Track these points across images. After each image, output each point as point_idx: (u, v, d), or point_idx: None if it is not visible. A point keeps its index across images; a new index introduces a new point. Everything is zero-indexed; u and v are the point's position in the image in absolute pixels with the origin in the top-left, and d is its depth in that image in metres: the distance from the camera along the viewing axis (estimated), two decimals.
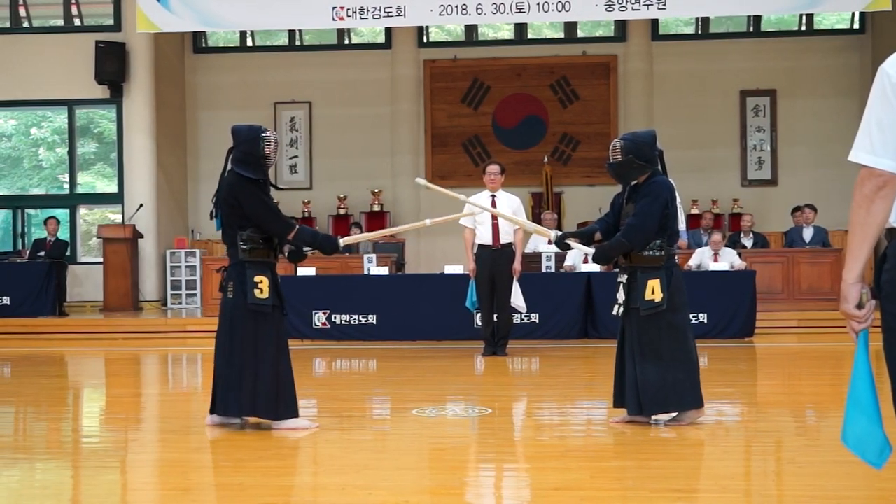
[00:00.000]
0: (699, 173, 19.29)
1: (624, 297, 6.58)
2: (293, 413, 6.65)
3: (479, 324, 11.77)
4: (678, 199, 6.77)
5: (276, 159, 6.70)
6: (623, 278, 6.63)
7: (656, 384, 6.44)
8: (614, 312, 6.67)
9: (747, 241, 15.62)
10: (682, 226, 6.87)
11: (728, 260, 13.68)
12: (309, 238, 6.84)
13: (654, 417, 6.60)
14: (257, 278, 6.51)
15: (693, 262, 13.91)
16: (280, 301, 6.68)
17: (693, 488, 4.97)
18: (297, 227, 6.72)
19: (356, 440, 6.51)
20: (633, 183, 6.64)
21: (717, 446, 6.14)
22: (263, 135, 6.59)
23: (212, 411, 6.71)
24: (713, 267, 13.48)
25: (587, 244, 6.93)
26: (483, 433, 6.70)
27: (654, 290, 6.45)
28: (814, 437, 6.70)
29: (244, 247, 6.55)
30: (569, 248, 7.04)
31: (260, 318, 6.53)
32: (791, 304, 14.47)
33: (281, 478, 5.51)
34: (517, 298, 11.04)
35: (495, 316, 11.19)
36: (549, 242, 7.50)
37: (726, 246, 14.27)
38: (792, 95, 19.50)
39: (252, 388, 6.49)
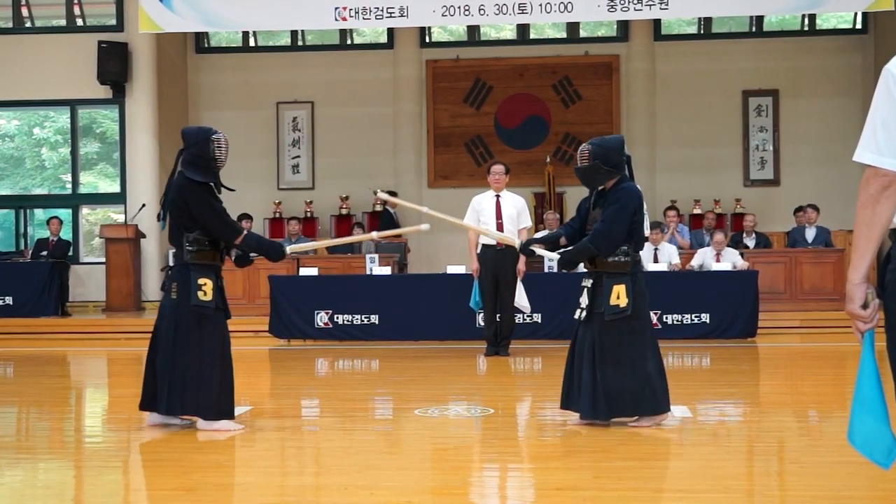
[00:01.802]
0: (701, 173, 19.30)
1: (588, 302, 6.57)
2: (228, 416, 6.64)
3: (482, 324, 11.77)
4: (645, 207, 6.78)
5: (226, 161, 6.66)
6: (588, 283, 6.62)
7: (614, 390, 6.42)
8: (576, 316, 6.65)
9: (750, 242, 15.62)
10: (646, 231, 6.88)
11: (730, 260, 13.68)
12: (255, 244, 6.84)
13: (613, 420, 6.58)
14: (201, 280, 6.51)
15: (695, 263, 13.92)
16: (224, 304, 6.68)
17: (695, 488, 4.97)
18: (245, 232, 6.72)
19: (358, 440, 6.51)
20: (601, 188, 6.65)
21: (720, 446, 6.14)
22: (214, 136, 6.58)
23: (143, 408, 6.70)
24: (715, 267, 13.49)
25: (552, 249, 6.91)
26: (485, 433, 6.71)
27: (619, 295, 6.43)
28: (816, 438, 6.70)
29: (190, 248, 6.56)
30: (533, 254, 7.04)
31: (203, 319, 6.53)
32: (793, 304, 14.47)
33: (283, 478, 5.52)
34: (521, 298, 11.02)
35: (498, 316, 11.19)
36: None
37: (729, 246, 14.26)
38: (794, 95, 19.49)
39: (195, 388, 6.48)
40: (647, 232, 6.85)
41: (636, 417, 6.53)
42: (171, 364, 6.50)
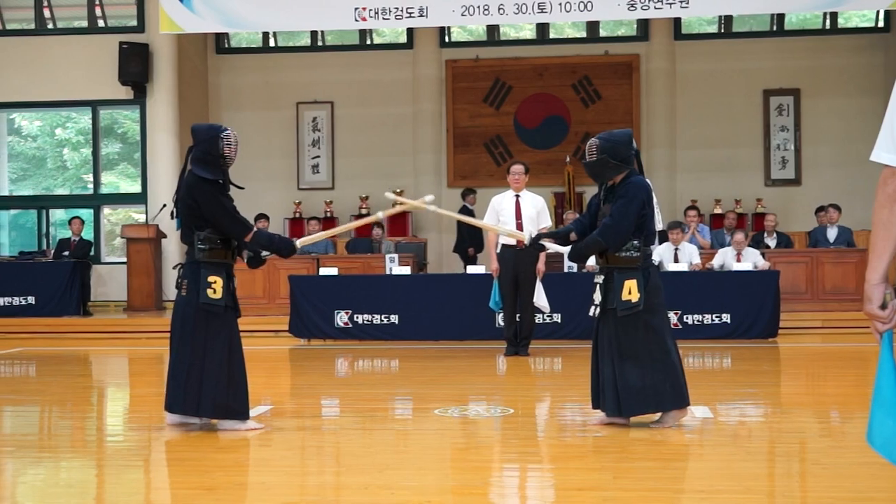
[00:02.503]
0: (722, 173, 19.25)
1: (601, 298, 6.57)
2: (241, 415, 6.64)
3: (502, 324, 11.76)
4: (655, 200, 6.75)
5: (235, 158, 6.66)
6: (599, 279, 6.62)
7: (635, 385, 6.41)
8: (591, 313, 6.65)
9: (771, 241, 15.56)
10: (658, 226, 6.86)
11: (751, 260, 13.63)
12: (265, 241, 6.84)
13: (633, 419, 6.58)
14: (211, 278, 6.51)
15: (716, 263, 13.87)
16: (234, 302, 6.69)
17: (716, 489, 4.95)
18: (255, 229, 6.72)
19: (378, 440, 6.52)
20: (610, 184, 6.64)
21: (741, 447, 6.12)
22: (223, 134, 6.58)
23: (167, 409, 6.74)
24: (736, 267, 13.44)
25: (562, 244, 6.91)
26: (505, 433, 6.70)
27: (630, 290, 6.41)
28: (838, 438, 6.66)
29: (201, 247, 6.56)
30: (543, 248, 7.04)
31: (212, 317, 6.53)
32: (815, 304, 14.42)
33: (304, 477, 5.53)
34: (540, 298, 11.03)
35: (518, 316, 11.19)
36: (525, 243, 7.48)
37: (750, 246, 14.21)
38: (816, 94, 19.40)
39: (197, 387, 6.49)
40: (658, 226, 6.84)
41: (658, 416, 6.52)
42: (179, 361, 6.54)
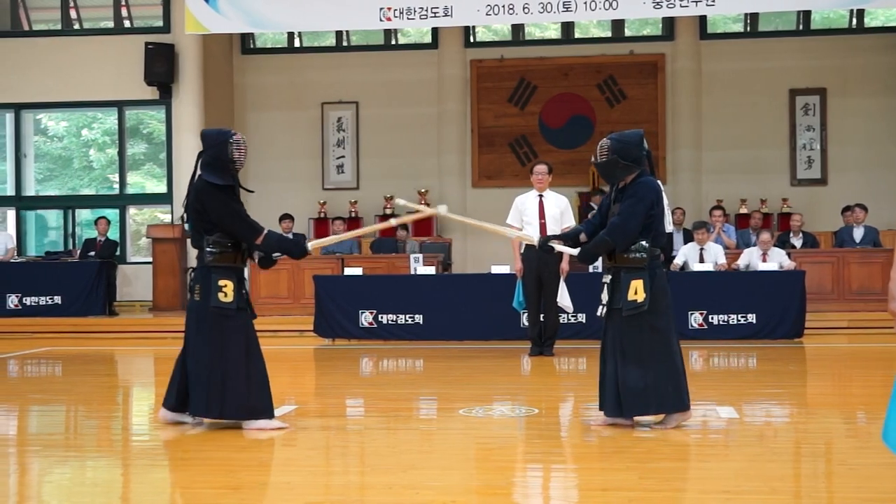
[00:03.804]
0: (748, 173, 19.17)
1: (607, 298, 6.55)
2: (265, 414, 6.66)
3: (526, 324, 11.75)
4: (665, 201, 6.73)
5: (245, 163, 6.70)
6: (607, 279, 6.61)
7: (637, 386, 6.39)
8: (598, 313, 6.64)
9: (797, 241, 15.48)
10: (668, 227, 6.85)
11: (777, 260, 13.57)
12: (276, 243, 6.85)
13: (636, 419, 6.55)
14: (222, 282, 6.54)
15: (741, 263, 13.81)
16: (247, 304, 6.71)
17: (742, 489, 4.93)
18: (265, 232, 6.73)
19: (403, 440, 6.53)
20: (621, 184, 6.62)
21: (766, 447, 6.09)
22: (232, 139, 6.61)
23: (166, 407, 6.79)
24: (762, 267, 13.38)
25: (573, 246, 6.89)
26: (530, 433, 6.69)
27: (636, 290, 6.40)
28: (865, 439, 6.61)
29: (212, 251, 6.59)
30: (552, 249, 7.02)
31: (225, 321, 6.56)
32: (841, 304, 14.34)
33: (329, 477, 5.54)
34: (564, 298, 11.01)
35: (542, 316, 11.17)
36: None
37: (775, 246, 14.15)
38: (842, 94, 19.29)
39: (220, 390, 6.52)
40: (668, 227, 6.82)
41: (661, 418, 6.50)
42: (198, 366, 6.57)
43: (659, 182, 6.68)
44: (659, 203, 6.55)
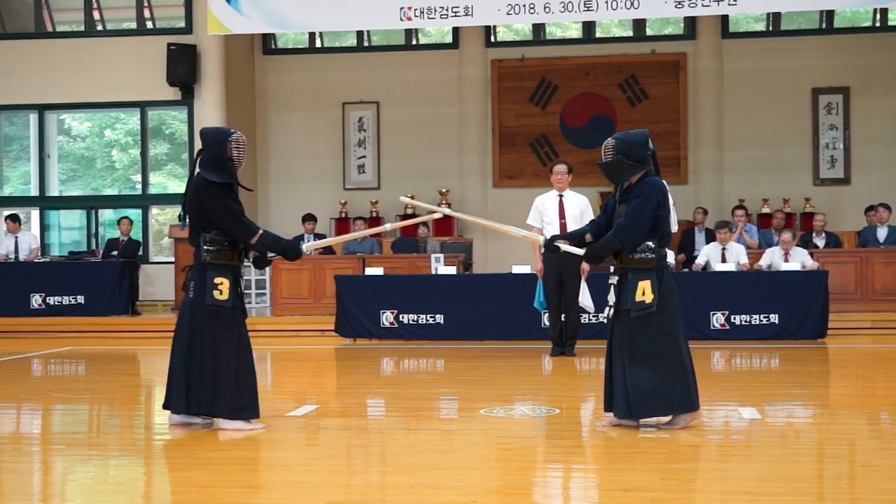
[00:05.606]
0: (770, 172, 19.08)
1: (615, 299, 6.53)
2: (250, 412, 6.69)
3: (547, 324, 11.73)
4: (671, 201, 6.70)
5: (244, 161, 6.72)
6: (614, 280, 6.60)
7: (645, 387, 6.38)
8: (605, 314, 6.62)
9: (819, 241, 15.40)
10: (674, 227, 6.83)
11: (799, 260, 13.51)
12: (271, 244, 6.86)
13: (643, 421, 6.53)
14: (217, 280, 6.58)
15: (764, 262, 13.76)
16: (241, 303, 6.74)
17: (764, 490, 4.91)
18: (261, 232, 6.76)
19: (424, 440, 6.53)
20: (626, 184, 6.59)
21: (789, 448, 6.07)
22: (231, 137, 6.64)
23: (168, 409, 6.82)
24: (784, 267, 13.32)
25: (578, 246, 6.87)
26: (551, 433, 6.69)
27: (644, 290, 6.38)
28: (888, 440, 6.58)
29: (208, 248, 6.62)
30: (558, 250, 6.99)
31: (219, 318, 6.59)
32: (865, 304, 14.25)
33: (350, 476, 5.55)
34: (585, 298, 10.99)
35: (563, 316, 11.16)
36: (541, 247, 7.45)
37: (798, 245, 14.08)
38: (865, 93, 19.18)
39: (210, 387, 6.56)
40: (673, 227, 6.79)
41: (669, 418, 6.49)
42: (188, 363, 6.61)
43: (664, 182, 6.66)
44: (665, 203, 6.53)
